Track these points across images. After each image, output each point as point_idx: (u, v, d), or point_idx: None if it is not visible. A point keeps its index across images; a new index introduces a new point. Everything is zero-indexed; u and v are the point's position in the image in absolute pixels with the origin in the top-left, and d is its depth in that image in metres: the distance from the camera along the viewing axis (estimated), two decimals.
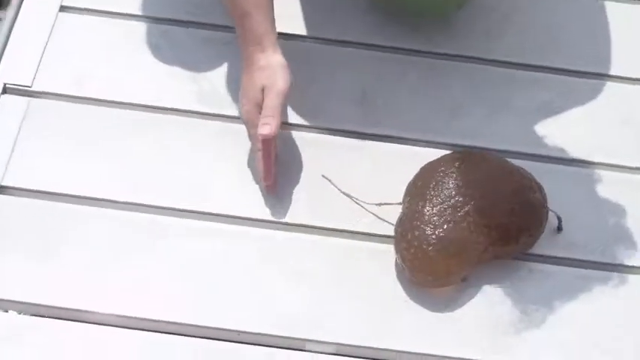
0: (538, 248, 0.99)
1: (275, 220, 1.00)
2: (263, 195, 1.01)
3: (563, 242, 1.00)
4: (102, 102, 1.07)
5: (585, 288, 0.97)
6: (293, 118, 1.06)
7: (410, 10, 1.12)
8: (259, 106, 0.98)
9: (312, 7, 1.14)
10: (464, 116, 1.08)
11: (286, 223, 1.00)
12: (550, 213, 0.98)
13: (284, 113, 1.02)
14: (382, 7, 1.13)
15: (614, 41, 1.14)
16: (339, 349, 0.94)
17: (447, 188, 0.95)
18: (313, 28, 1.13)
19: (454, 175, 0.96)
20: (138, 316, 0.94)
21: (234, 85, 1.06)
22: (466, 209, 0.94)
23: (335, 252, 0.98)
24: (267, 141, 0.96)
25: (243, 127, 1.03)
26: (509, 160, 1.01)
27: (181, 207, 1.00)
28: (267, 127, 0.96)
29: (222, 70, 1.09)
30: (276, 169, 1.00)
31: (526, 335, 0.95)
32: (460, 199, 0.94)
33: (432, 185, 0.96)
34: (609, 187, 1.04)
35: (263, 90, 0.98)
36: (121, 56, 1.10)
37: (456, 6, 1.11)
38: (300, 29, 1.13)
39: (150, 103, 1.07)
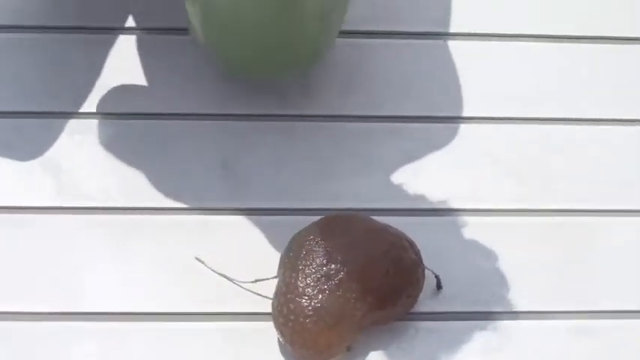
0: (422, 306, 0.96)
1: (152, 311, 0.95)
2: (137, 287, 0.96)
3: (446, 296, 0.97)
4: None
5: (473, 339, 0.95)
6: (153, 201, 1.02)
7: (260, 71, 1.07)
8: None
9: (159, 82, 1.11)
10: (328, 177, 1.05)
11: (163, 313, 0.95)
12: (427, 271, 0.96)
13: None
14: (232, 72, 1.10)
15: (465, 82, 1.13)
16: None
17: (317, 257, 0.92)
18: (163, 104, 1.09)
19: (323, 243, 0.93)
20: None
21: (95, 176, 1.03)
22: (339, 277, 0.91)
23: (215, 337, 0.94)
24: None
25: (111, 218, 1.00)
26: (379, 218, 0.98)
27: (55, 310, 0.95)
28: None
29: (81, 161, 1.05)
30: None
31: None
32: (332, 266, 0.92)
33: (302, 255, 0.93)
34: (481, 232, 1.01)
35: None
36: None
37: (306, 64, 1.08)
38: (150, 106, 1.09)
39: (6, 204, 1.01)
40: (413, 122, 1.10)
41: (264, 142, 1.07)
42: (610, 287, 1.00)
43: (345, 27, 1.10)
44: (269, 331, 0.93)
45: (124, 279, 0.97)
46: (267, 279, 0.95)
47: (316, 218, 0.98)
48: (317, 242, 0.93)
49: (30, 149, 1.05)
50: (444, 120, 1.11)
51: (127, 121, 1.08)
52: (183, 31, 1.10)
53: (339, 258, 0.92)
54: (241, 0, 0.98)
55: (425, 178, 1.05)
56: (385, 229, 0.96)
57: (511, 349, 0.95)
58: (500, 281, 0.98)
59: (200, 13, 1.02)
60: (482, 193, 1.05)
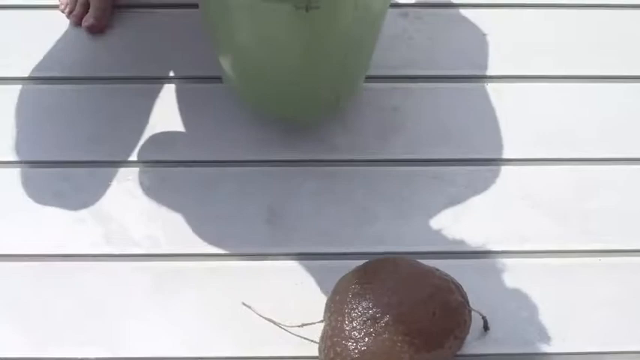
0: (470, 348, 0.95)
1: (199, 356, 0.95)
2: (184, 332, 0.96)
3: (493, 337, 0.96)
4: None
5: None
6: (199, 247, 1.02)
7: (281, 113, 1.10)
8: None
9: (202, 130, 1.11)
10: (371, 221, 1.05)
11: (210, 357, 0.95)
12: (474, 313, 0.95)
13: None
14: (258, 113, 1.11)
15: (504, 124, 1.12)
16: None
17: (364, 300, 0.91)
18: (207, 151, 1.10)
19: (369, 286, 0.92)
20: None
21: (142, 223, 1.04)
22: (386, 319, 0.90)
23: None
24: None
25: (158, 265, 1.01)
26: (423, 261, 0.97)
27: (103, 355, 0.95)
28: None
29: (129, 208, 1.05)
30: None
31: None
32: (378, 309, 0.91)
33: (348, 299, 0.92)
34: (526, 273, 1.01)
35: None
36: (20, 209, 1.05)
37: (327, 109, 1.09)
38: (193, 154, 1.10)
39: (57, 252, 1.02)
40: (453, 165, 1.10)
41: (306, 186, 1.07)
42: None
43: (386, 71, 1.11)
44: None
45: (171, 324, 0.97)
46: (314, 323, 0.95)
47: (361, 262, 0.97)
48: (363, 286, 0.92)
49: (80, 198, 1.06)
50: (483, 162, 1.10)
51: (171, 169, 1.08)
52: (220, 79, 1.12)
53: (385, 301, 0.91)
54: (267, 51, 1.00)
55: (467, 220, 1.05)
56: (431, 271, 0.95)
57: None
58: (548, 322, 0.97)
59: (226, 55, 1.05)
60: (525, 234, 1.04)
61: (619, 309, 0.99)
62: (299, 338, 0.95)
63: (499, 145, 1.11)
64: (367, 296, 0.92)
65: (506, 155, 1.10)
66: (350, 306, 0.92)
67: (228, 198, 1.06)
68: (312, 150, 1.10)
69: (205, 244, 1.02)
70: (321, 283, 0.98)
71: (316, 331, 0.94)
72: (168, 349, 0.96)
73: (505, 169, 1.09)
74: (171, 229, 1.04)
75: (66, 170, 1.08)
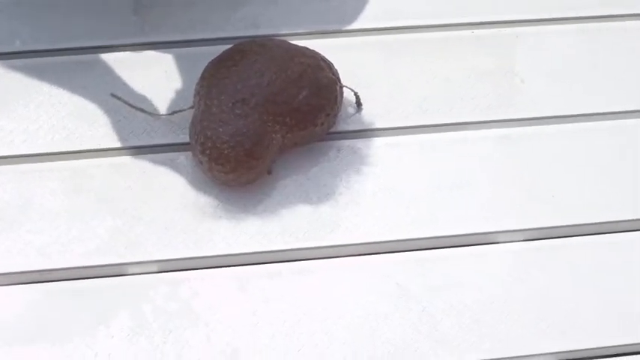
0: (343, 125, 0.89)
1: (74, 149, 0.88)
2: (52, 127, 0.89)
3: (366, 115, 0.90)
4: None
5: (394, 154, 0.88)
6: (65, 42, 0.93)
7: None
8: None
9: None
10: (242, 6, 0.96)
11: (84, 151, 0.88)
12: (346, 90, 0.89)
13: None
14: None
15: None
16: (162, 265, 0.83)
17: (232, 83, 0.84)
18: None
19: (236, 68, 0.85)
20: None
21: (4, 20, 0.95)
22: (255, 100, 0.83)
23: (136, 169, 0.87)
24: None
25: (23, 62, 0.92)
26: (294, 42, 0.90)
27: None
28: None
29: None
30: None
31: (347, 213, 0.85)
32: (247, 91, 0.83)
33: (215, 83, 0.85)
34: (400, 50, 0.94)
35: None
36: None
37: None
38: None
39: None
40: None
41: None
42: (535, 97, 0.93)
43: None
44: (189, 161, 0.86)
45: (41, 121, 0.89)
46: (184, 110, 0.88)
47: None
48: (230, 68, 0.85)
49: None
50: None
51: None
52: None
53: (253, 82, 0.84)
54: None
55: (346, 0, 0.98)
56: (300, 50, 0.88)
57: (436, 158, 0.89)
58: (423, 95, 0.92)
59: None
60: (399, 9, 0.97)
61: (493, 79, 0.94)
62: (170, 126, 0.89)
63: None
64: (234, 78, 0.84)
65: None
66: (217, 89, 0.84)
67: None
68: None
69: (71, 38, 0.94)
70: (191, 71, 0.89)
71: (187, 118, 0.87)
72: (37, 146, 0.88)
73: None
74: (36, 25, 0.94)
75: None
